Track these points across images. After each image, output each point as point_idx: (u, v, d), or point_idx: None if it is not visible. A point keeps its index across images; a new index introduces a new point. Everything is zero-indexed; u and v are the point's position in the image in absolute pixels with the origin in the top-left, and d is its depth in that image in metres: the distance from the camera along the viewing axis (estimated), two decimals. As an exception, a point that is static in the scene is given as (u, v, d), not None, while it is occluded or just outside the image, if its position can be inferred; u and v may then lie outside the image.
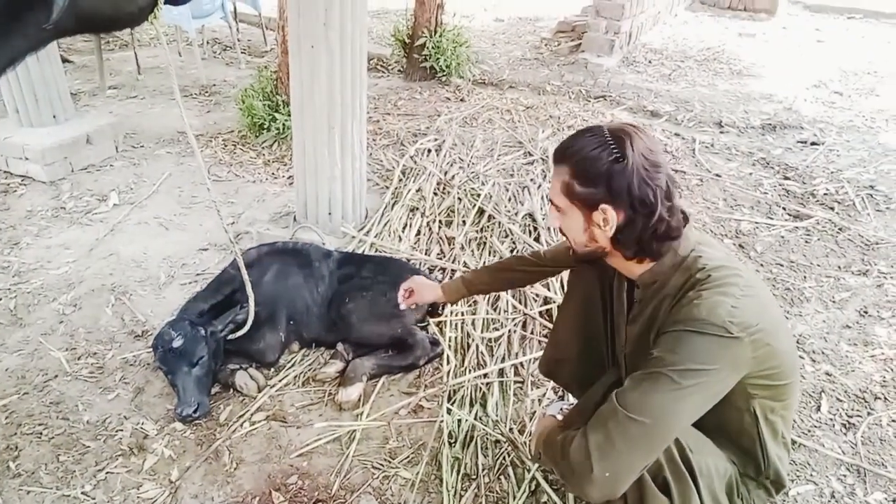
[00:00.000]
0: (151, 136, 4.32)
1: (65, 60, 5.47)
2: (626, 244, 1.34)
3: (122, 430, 2.12)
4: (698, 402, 1.22)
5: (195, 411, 2.07)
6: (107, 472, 1.97)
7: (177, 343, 2.11)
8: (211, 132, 4.48)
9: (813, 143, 4.62)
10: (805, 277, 3.10)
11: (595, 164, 1.28)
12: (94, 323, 2.61)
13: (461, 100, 5.25)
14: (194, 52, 5.57)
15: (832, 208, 3.70)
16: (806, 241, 3.40)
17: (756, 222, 3.57)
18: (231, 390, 2.29)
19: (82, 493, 1.89)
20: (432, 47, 5.38)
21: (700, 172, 4.14)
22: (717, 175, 4.11)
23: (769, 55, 6.91)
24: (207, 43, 6.56)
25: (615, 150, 1.27)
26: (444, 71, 5.50)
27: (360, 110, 2.91)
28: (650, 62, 6.45)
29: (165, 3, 1.71)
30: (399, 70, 5.94)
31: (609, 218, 1.30)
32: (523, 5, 9.17)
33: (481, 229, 3.28)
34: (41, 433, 2.09)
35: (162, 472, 1.98)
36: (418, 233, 3.21)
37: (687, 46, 7.08)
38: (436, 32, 5.40)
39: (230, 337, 2.28)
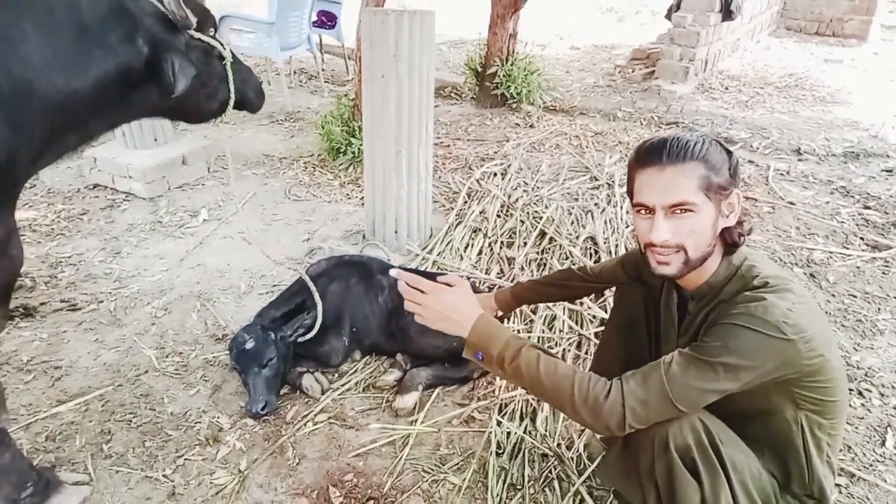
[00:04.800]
0: (240, 159, 4.68)
1: (168, 89, 5.99)
2: (732, 232, 1.41)
3: (200, 423, 2.33)
4: (729, 389, 1.29)
5: (263, 408, 2.25)
6: (185, 459, 2.17)
7: (249, 345, 2.31)
8: (293, 155, 4.80)
9: (899, 172, 4.43)
10: (879, 309, 2.98)
11: (719, 155, 1.36)
12: (182, 326, 2.87)
13: (530, 126, 5.37)
14: (281, 81, 5.98)
15: (915, 239, 3.54)
16: (883, 273, 3.27)
17: (830, 252, 3.47)
18: (298, 392, 2.47)
19: (163, 475, 2.09)
20: (503, 75, 5.54)
21: (772, 200, 4.06)
22: (791, 203, 4.01)
23: (857, 81, 6.65)
24: (294, 73, 7.00)
25: (720, 144, 1.38)
26: (514, 98, 5.64)
27: (426, 135, 3.08)
28: (727, 89, 6.35)
29: (235, 106, 2.12)
30: (472, 97, 6.14)
31: (735, 203, 1.39)
32: (599, 34, 9.24)
33: (542, 251, 3.36)
34: (131, 421, 2.32)
35: (233, 462, 2.16)
36: (480, 252, 3.33)
37: (767, 73, 6.93)
38: (507, 61, 5.56)
39: (299, 340, 2.46)
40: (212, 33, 1.99)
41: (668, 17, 6.30)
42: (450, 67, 7.46)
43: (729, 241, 1.43)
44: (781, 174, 4.45)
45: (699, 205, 1.34)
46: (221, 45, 2.03)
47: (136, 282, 3.19)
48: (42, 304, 2.95)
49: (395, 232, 3.23)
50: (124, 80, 1.67)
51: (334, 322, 2.55)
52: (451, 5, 10.09)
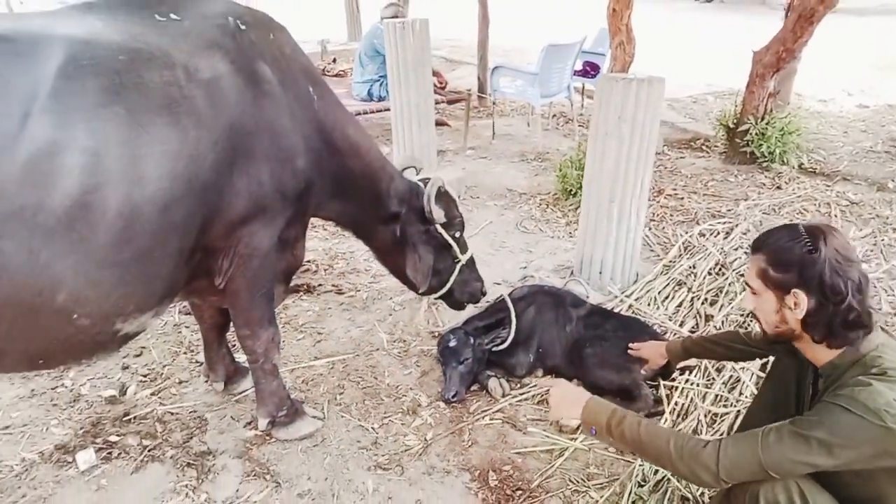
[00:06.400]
0: (486, 190, 5.38)
1: (441, 124, 7.04)
2: (816, 327, 1.56)
3: (406, 396, 2.94)
4: (821, 465, 1.43)
5: (454, 396, 2.79)
6: (390, 420, 2.78)
7: (452, 344, 2.86)
8: (532, 192, 5.35)
9: None
10: None
11: (788, 253, 1.55)
12: (410, 320, 3.56)
13: (777, 188, 5.17)
14: (537, 124, 6.61)
15: None
16: None
17: None
18: (483, 390, 2.95)
19: (372, 428, 2.73)
20: (756, 134, 5.41)
21: None
22: None
23: None
24: (553, 116, 7.61)
25: (808, 244, 1.53)
26: (766, 157, 5.46)
27: (640, 189, 3.36)
28: None
29: (441, 297, 3.00)
30: (721, 152, 6.06)
31: (800, 302, 1.54)
32: (899, 91, 8.22)
33: (746, 315, 3.36)
34: (359, 383, 3.03)
35: (422, 431, 2.71)
36: (679, 305, 3.46)
37: None
38: (762, 119, 5.42)
39: (493, 349, 2.95)
40: (456, 235, 2.76)
41: (980, 80, 5.48)
42: (710, 119, 7.37)
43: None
44: None
45: (758, 290, 1.62)
46: (458, 248, 2.79)
47: (385, 280, 3.99)
48: (319, 285, 3.90)
49: (600, 273, 3.55)
50: (381, 214, 2.66)
51: (525, 340, 2.99)
52: (725, 55, 9.82)
